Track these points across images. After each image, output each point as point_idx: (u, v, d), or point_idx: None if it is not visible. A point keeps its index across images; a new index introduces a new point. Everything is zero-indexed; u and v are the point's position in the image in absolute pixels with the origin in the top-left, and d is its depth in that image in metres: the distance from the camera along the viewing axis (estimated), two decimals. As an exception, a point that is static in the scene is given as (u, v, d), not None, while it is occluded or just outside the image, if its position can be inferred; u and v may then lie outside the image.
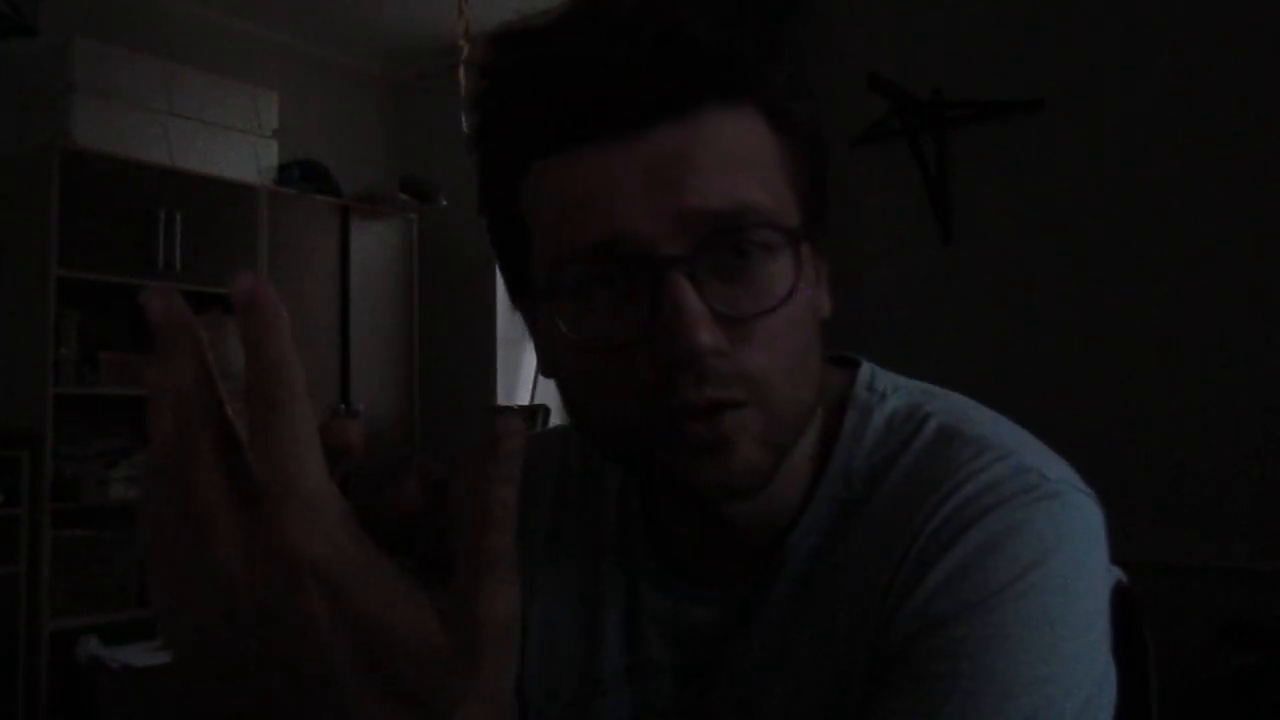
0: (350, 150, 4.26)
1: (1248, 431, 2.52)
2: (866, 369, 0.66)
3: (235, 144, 3.59)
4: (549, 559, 0.71)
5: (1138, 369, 2.67)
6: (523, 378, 4.10)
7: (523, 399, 4.04)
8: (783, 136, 0.57)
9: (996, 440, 0.58)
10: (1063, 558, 0.53)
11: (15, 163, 3.21)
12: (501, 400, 4.05)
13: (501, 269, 0.62)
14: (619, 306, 0.54)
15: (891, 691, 0.53)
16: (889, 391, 0.64)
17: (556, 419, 3.56)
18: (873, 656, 0.56)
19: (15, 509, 2.97)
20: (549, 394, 3.38)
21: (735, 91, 0.55)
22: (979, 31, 2.97)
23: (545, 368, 0.62)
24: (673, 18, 0.53)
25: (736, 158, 0.54)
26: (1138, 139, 2.71)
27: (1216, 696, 2.26)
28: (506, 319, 3.90)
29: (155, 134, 3.35)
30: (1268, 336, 2.51)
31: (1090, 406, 2.71)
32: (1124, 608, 0.74)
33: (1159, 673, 0.76)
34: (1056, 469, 0.57)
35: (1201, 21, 2.64)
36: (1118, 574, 0.75)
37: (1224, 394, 2.55)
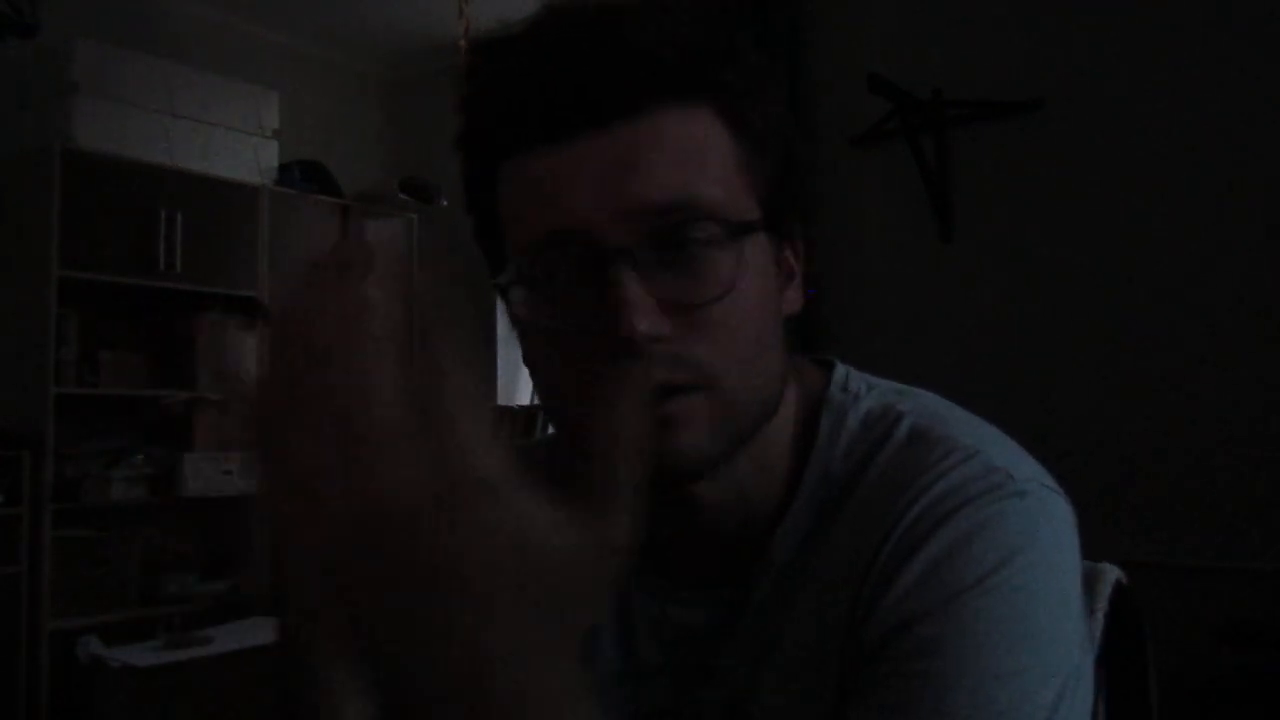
0: (350, 150, 4.26)
1: (1248, 432, 2.52)
2: (841, 370, 0.68)
3: (235, 144, 3.59)
4: None
5: (1138, 368, 2.67)
6: (523, 378, 4.10)
7: (523, 399, 4.04)
8: (740, 136, 0.58)
9: (964, 440, 0.59)
10: (1031, 554, 0.54)
11: (15, 163, 3.21)
12: (501, 400, 4.05)
13: (488, 266, 0.65)
14: (570, 295, 0.56)
15: (867, 689, 0.54)
16: (863, 392, 0.66)
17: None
18: (849, 654, 0.56)
19: (15, 509, 2.97)
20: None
21: (688, 94, 0.57)
22: (979, 31, 2.97)
23: (523, 357, 0.64)
24: (628, 24, 0.56)
25: (686, 154, 0.56)
26: (1138, 139, 2.71)
27: (1216, 696, 2.27)
28: (507, 319, 3.90)
29: (155, 134, 3.35)
30: (1268, 337, 2.51)
31: (1091, 406, 2.71)
32: (1123, 608, 0.74)
33: (1159, 673, 0.76)
34: (1024, 467, 0.58)
35: (1202, 21, 2.64)
36: (1118, 574, 0.75)
37: (1225, 394, 2.56)
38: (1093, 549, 0.59)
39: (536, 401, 3.79)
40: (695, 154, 0.56)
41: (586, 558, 0.34)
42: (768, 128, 0.60)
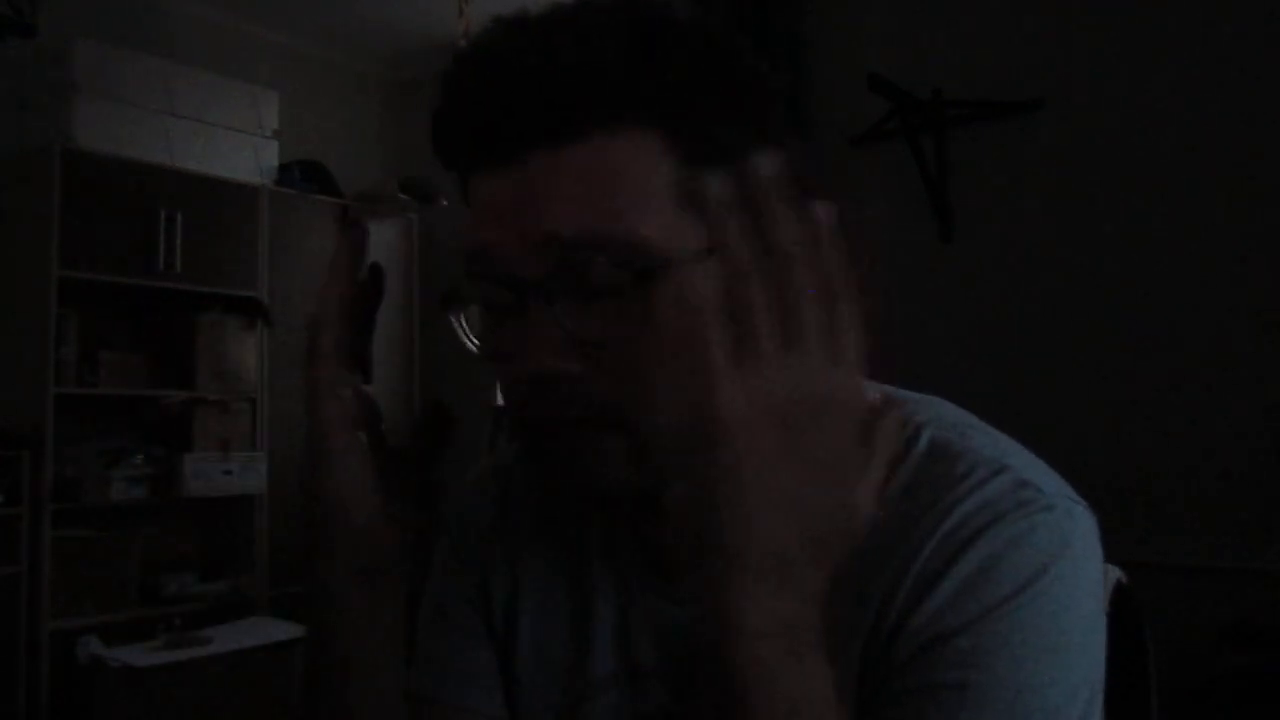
0: (350, 150, 4.26)
1: (1248, 432, 2.52)
2: None
3: (235, 144, 3.59)
4: (537, 560, 0.71)
5: (1138, 369, 2.67)
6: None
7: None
8: (681, 155, 0.55)
9: (988, 454, 0.58)
10: (1062, 567, 0.54)
11: (15, 163, 3.21)
12: (501, 401, 4.06)
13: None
14: (495, 319, 0.58)
15: (898, 702, 0.54)
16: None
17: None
18: (871, 664, 0.56)
19: (15, 509, 2.97)
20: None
21: (614, 117, 0.54)
22: (979, 31, 2.97)
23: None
24: (556, 45, 0.54)
25: (608, 184, 0.54)
26: (1138, 139, 2.71)
27: (1216, 697, 2.26)
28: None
29: (155, 134, 3.35)
30: (1267, 337, 2.52)
31: (1091, 406, 2.71)
32: (1124, 608, 0.74)
33: (1159, 673, 0.76)
34: (1049, 481, 0.58)
35: (1202, 21, 2.64)
36: (1118, 574, 0.75)
37: (1224, 394, 2.56)
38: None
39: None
40: (618, 183, 0.54)
41: (850, 502, 0.46)
42: (714, 142, 0.56)
